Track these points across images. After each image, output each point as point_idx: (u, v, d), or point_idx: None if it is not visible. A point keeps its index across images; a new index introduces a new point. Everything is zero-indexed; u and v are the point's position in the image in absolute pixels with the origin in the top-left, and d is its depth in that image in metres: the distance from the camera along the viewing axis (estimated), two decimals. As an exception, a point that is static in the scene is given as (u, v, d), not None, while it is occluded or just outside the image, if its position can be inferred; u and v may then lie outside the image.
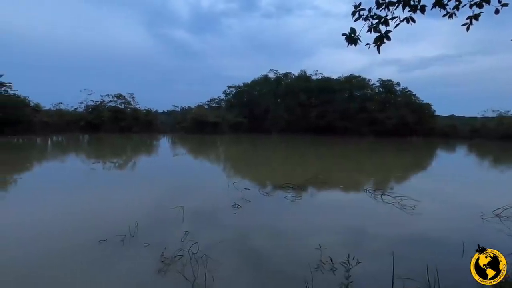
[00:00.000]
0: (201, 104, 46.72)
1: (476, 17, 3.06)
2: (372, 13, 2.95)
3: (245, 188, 8.58)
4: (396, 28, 2.99)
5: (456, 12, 3.09)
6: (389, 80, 46.00)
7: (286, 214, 6.93)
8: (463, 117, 53.77)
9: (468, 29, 3.10)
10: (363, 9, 2.92)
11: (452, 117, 53.68)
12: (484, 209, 6.81)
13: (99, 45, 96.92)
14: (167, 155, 19.80)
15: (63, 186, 9.26)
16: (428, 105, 45.19)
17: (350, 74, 46.86)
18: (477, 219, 6.43)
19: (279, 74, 48.36)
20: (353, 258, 3.36)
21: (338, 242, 5.08)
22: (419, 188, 10.18)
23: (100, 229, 5.21)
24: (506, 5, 2.92)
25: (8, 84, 31.07)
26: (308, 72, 47.98)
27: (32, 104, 32.54)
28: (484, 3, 2.97)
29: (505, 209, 6.74)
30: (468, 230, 5.86)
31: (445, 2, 3.02)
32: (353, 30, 2.93)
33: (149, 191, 8.81)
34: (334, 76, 47.03)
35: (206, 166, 15.57)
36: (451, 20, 3.13)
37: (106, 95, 38.41)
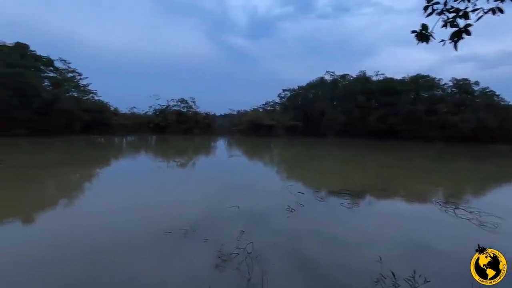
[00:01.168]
0: (256, 107, 47.85)
1: None
2: (448, 6, 2.67)
3: (299, 192, 8.49)
4: (486, 15, 2.63)
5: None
6: (465, 79, 40.75)
7: (342, 221, 6.64)
8: None
9: None
10: (437, 3, 2.67)
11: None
12: None
13: (166, 54, 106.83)
14: (224, 156, 20.73)
15: (134, 181, 10.43)
16: (515, 107, 38.63)
17: (417, 74, 42.86)
18: None
19: (336, 76, 46.72)
20: (419, 276, 3.07)
21: (400, 256, 4.66)
22: (503, 204, 8.75)
23: (165, 221, 5.71)
24: None
25: (94, 91, 36.46)
26: (368, 73, 45.45)
27: (112, 108, 37.51)
28: None
29: None
30: None
31: (544, -14, 2.57)
32: (424, 27, 2.69)
33: (207, 189, 9.35)
34: (398, 77, 43.40)
35: (260, 168, 15.86)
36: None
37: (171, 99, 42.23)
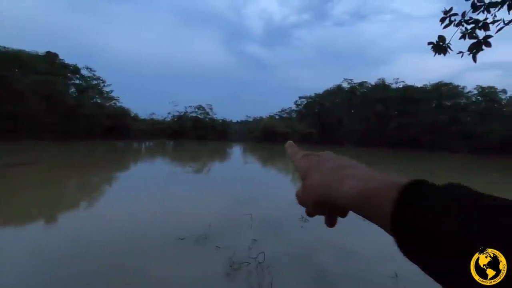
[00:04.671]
0: (272, 114, 47.95)
1: None
2: (466, 17, 2.61)
3: (313, 202, 8.37)
4: (507, 27, 2.55)
5: None
6: (491, 87, 39.01)
7: (357, 233, 6.46)
8: None
9: None
10: (455, 14, 2.61)
11: None
12: None
13: (185, 62, 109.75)
14: (238, 163, 20.85)
15: (150, 185, 10.68)
16: (548, 117, 36.41)
17: (439, 82, 41.54)
18: None
19: (354, 83, 46.09)
20: (437, 295, 2.94)
21: (417, 272, 4.47)
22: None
23: (178, 227, 5.80)
24: None
25: (116, 98, 38.01)
26: (387, 81, 44.37)
27: (132, 114, 38.87)
28: None
29: None
30: None
31: None
32: (441, 38, 2.63)
33: (221, 196, 9.41)
34: (418, 84, 42.20)
35: (274, 176, 15.81)
36: None
37: (189, 106, 43.25)
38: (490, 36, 2.51)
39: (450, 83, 41.07)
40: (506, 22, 2.36)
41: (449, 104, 40.30)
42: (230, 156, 26.93)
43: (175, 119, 42.34)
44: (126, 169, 15.22)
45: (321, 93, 47.29)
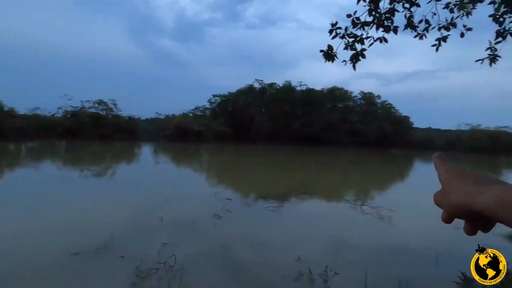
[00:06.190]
0: (185, 112, 46.33)
1: (444, 39, 3.26)
2: (348, 32, 3.08)
3: (227, 198, 8.52)
4: (376, 43, 3.13)
5: (426, 33, 3.28)
6: (370, 93, 47.65)
7: (267, 224, 6.92)
8: (439, 130, 56.28)
9: (437, 49, 3.29)
10: (340, 28, 3.05)
11: (429, 129, 56.01)
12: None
13: (81, 50, 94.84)
14: (148, 164, 19.37)
15: (33, 195, 8.82)
16: (406, 118, 47.05)
17: (333, 86, 48.05)
18: (450, 229, 6.66)
19: (264, 84, 48.85)
20: (330, 270, 3.40)
21: (317, 253, 5.10)
22: (397, 198, 10.47)
23: (73, 241, 4.98)
24: (470, 29, 3.14)
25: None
26: (293, 83, 48.74)
27: (6, 109, 31.16)
28: (450, 27, 3.18)
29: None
30: (441, 241, 6.06)
31: (416, 25, 3.21)
32: (330, 47, 3.04)
33: (127, 201, 8.55)
34: (318, 88, 47.96)
35: (188, 176, 15.35)
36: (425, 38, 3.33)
37: (87, 101, 37.42)
38: (365, 49, 3.04)
39: (342, 88, 48.37)
40: (375, 38, 2.91)
41: (341, 106, 47.43)
42: (139, 156, 24.72)
43: (68, 116, 35.97)
44: (-3, 177, 12.09)
45: (234, 92, 48.43)
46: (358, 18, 3.03)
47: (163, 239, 5.26)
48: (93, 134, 34.29)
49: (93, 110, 37.32)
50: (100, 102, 37.89)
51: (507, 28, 2.92)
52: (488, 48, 3.16)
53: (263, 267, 4.52)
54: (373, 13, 3.00)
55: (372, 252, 5.33)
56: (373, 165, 24.91)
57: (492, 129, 42.18)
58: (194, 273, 4.11)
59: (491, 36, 3.09)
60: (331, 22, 2.98)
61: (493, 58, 3.14)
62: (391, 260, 5.06)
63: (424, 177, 19.21)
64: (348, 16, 3.01)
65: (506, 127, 41.78)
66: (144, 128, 41.87)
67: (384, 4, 3.07)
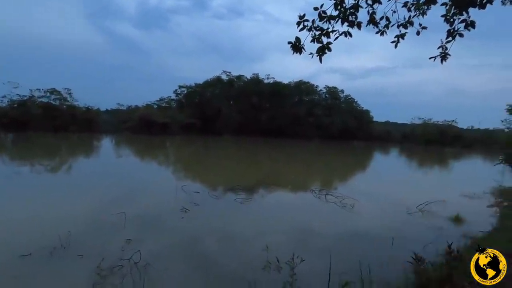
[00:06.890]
0: (149, 103, 44.35)
1: (403, 36, 3.46)
2: (315, 25, 3.13)
3: (194, 191, 8.38)
4: (341, 39, 3.22)
5: (386, 30, 3.45)
6: (334, 87, 49.42)
7: (235, 216, 6.95)
8: (396, 123, 60.45)
9: (396, 46, 3.49)
10: (307, 20, 3.09)
11: (387, 123, 59.88)
12: (410, 205, 7.74)
13: (32, 35, 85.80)
14: (109, 157, 18.31)
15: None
16: (367, 112, 49.71)
17: (300, 80, 48.96)
18: (404, 214, 7.26)
19: (232, 76, 48.37)
20: (297, 257, 3.51)
21: (284, 242, 5.25)
22: (358, 188, 11.10)
23: (24, 242, 4.56)
24: (425, 28, 3.37)
25: None
26: (260, 76, 48.83)
27: None
28: (408, 25, 3.37)
29: (426, 204, 7.76)
30: (396, 225, 6.57)
31: (378, 21, 3.36)
32: (298, 39, 3.07)
33: (86, 197, 8.02)
34: (285, 81, 48.58)
35: (153, 169, 14.80)
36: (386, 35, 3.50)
37: (37, 89, 34.06)
38: (330, 43, 3.12)
39: (308, 82, 49.53)
40: (340, 32, 3.00)
41: (307, 99, 48.67)
42: (98, 149, 23.22)
43: (15, 105, 32.48)
44: None
45: (201, 83, 47.28)
46: (324, 12, 3.09)
47: (127, 235, 5.04)
48: (45, 125, 31.45)
49: (44, 100, 34.12)
50: (53, 91, 34.73)
51: (456, 28, 3.17)
52: (439, 47, 3.42)
53: (231, 258, 4.54)
54: (339, 7, 3.08)
55: (335, 238, 5.62)
56: (336, 156, 26.09)
57: (441, 123, 46.23)
58: (161, 268, 4.00)
59: (443, 35, 3.34)
60: (299, 14, 3.01)
61: (444, 56, 3.41)
62: (353, 244, 5.38)
63: (382, 168, 20.64)
64: (315, 9, 3.06)
65: (452, 121, 46.06)
66: (105, 120, 39.32)
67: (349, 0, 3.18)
